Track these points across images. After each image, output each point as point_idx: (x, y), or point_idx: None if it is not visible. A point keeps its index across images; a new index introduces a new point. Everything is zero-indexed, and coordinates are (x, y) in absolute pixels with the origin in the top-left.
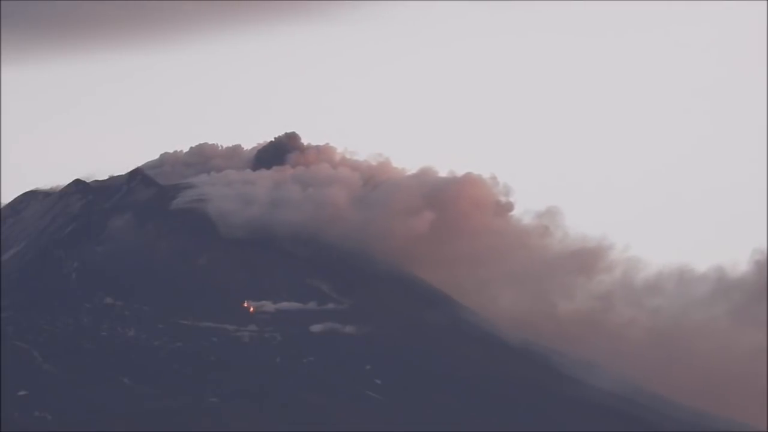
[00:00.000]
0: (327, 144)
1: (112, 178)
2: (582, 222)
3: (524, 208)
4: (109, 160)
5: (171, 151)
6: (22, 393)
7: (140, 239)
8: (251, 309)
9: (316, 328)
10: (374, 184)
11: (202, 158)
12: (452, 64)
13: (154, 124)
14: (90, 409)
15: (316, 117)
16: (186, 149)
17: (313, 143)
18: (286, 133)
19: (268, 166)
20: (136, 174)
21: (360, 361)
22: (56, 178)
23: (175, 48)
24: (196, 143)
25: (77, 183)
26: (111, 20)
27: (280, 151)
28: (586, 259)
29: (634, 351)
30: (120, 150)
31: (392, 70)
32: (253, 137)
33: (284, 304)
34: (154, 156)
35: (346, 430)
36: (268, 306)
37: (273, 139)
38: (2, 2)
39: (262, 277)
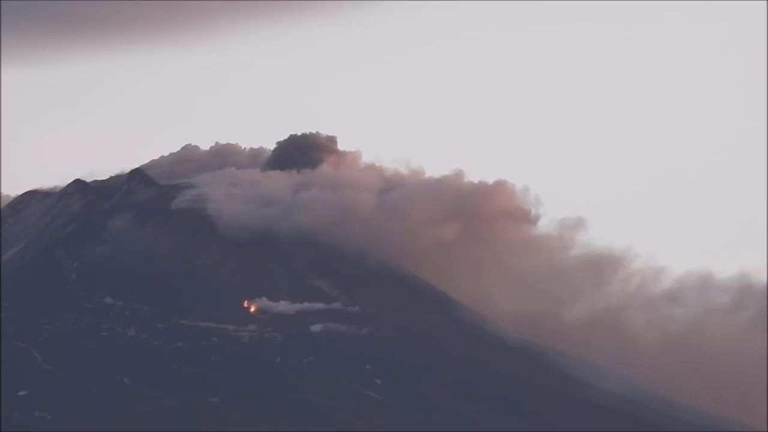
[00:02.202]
0: (356, 150)
1: (112, 178)
2: (607, 231)
3: (548, 216)
4: (109, 160)
5: (188, 147)
6: (22, 393)
7: (140, 239)
8: (251, 309)
9: (316, 328)
10: (390, 189)
11: (223, 157)
12: (481, 71)
13: (155, 124)
14: (90, 409)
15: (349, 122)
16: (209, 147)
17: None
18: (327, 136)
19: (290, 167)
20: (136, 174)
21: (360, 361)
22: (56, 178)
23: (176, 48)
24: (195, 143)
25: (77, 183)
26: (111, 20)
27: (304, 151)
28: (606, 267)
29: (645, 356)
30: (120, 150)
31: (418, 73)
32: (258, 139)
33: (284, 304)
34: (154, 156)
35: (346, 430)
36: (268, 306)
37: (306, 136)
38: (2, 2)
39: (262, 277)
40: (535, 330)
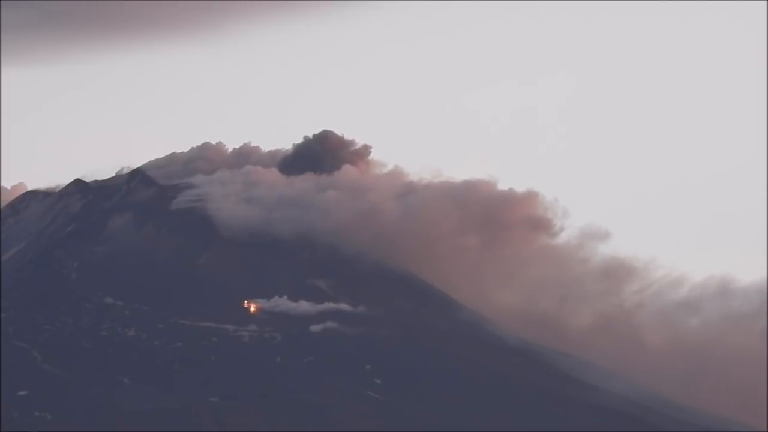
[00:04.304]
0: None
1: (112, 178)
2: (632, 241)
3: (573, 226)
4: (109, 160)
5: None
6: (22, 393)
7: (140, 239)
8: (251, 309)
9: (316, 328)
10: (410, 192)
11: (242, 158)
12: (503, 79)
13: (155, 124)
14: (90, 409)
15: (382, 128)
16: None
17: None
18: (364, 145)
19: (310, 168)
20: (136, 174)
21: (360, 361)
22: (56, 178)
23: (176, 47)
24: (202, 143)
25: (77, 183)
26: (111, 20)
27: (329, 151)
28: (623, 275)
29: (655, 360)
30: (120, 150)
31: (454, 80)
32: (261, 140)
33: (284, 304)
34: (154, 156)
35: (346, 430)
36: (268, 306)
37: (340, 139)
38: (2, 2)
39: (262, 277)
40: (543, 334)
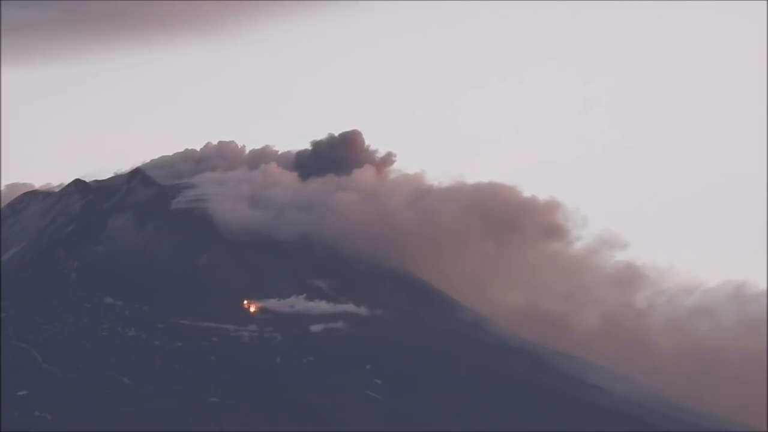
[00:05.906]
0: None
1: (112, 178)
2: (644, 246)
3: (590, 233)
4: (109, 160)
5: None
6: (22, 393)
7: (140, 239)
8: (251, 309)
9: (316, 328)
10: (423, 196)
11: (255, 158)
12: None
13: (155, 124)
14: (90, 409)
15: (405, 135)
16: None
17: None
18: (388, 152)
19: (326, 169)
20: (136, 174)
21: (360, 361)
22: (56, 178)
23: (176, 47)
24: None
25: (77, 183)
26: (111, 20)
27: (347, 152)
28: (634, 282)
29: (663, 364)
30: (120, 150)
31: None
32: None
33: (284, 304)
34: (153, 156)
35: (346, 430)
36: (268, 305)
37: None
38: (2, 2)
39: (262, 277)
40: (551, 337)
